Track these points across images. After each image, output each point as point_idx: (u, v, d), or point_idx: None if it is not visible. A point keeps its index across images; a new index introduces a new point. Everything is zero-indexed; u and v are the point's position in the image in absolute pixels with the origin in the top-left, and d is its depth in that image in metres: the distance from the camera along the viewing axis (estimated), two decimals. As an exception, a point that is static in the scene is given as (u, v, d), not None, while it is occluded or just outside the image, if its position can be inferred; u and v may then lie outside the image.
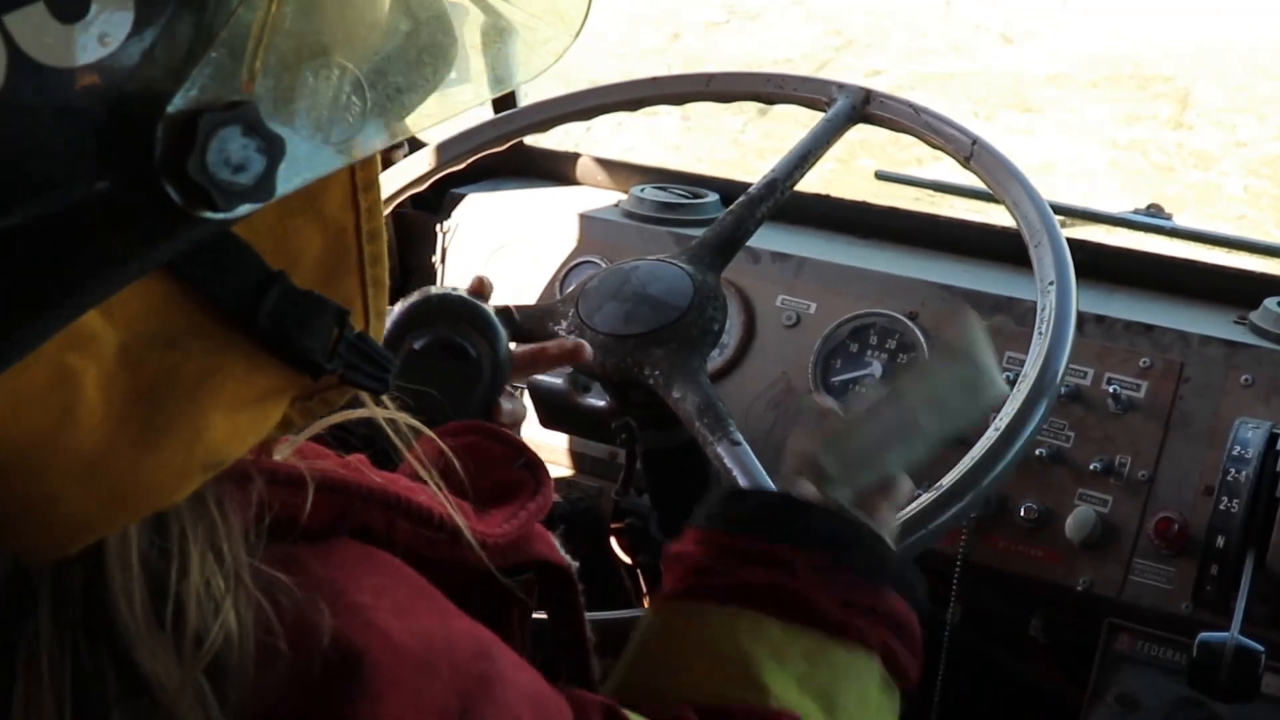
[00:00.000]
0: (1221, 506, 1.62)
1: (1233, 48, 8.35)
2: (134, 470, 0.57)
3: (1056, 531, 1.75)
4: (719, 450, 1.38)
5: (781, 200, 1.62)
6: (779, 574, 1.00)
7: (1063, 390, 1.78)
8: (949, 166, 1.69)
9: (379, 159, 0.66)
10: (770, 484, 1.32)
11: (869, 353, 1.90)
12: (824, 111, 1.67)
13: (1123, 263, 2.07)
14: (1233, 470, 1.63)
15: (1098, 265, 2.03)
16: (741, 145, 6.66)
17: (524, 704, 0.71)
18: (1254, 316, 1.88)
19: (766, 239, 2.03)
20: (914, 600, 1.06)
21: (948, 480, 1.36)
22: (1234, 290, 2.00)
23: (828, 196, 2.26)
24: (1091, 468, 1.76)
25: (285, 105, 0.57)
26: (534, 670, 0.75)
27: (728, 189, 2.23)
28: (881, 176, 2.37)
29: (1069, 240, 1.56)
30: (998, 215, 1.83)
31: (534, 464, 0.97)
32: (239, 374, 0.60)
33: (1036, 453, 1.77)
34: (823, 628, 0.98)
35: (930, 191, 2.37)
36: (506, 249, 2.17)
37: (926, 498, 1.34)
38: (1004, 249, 2.04)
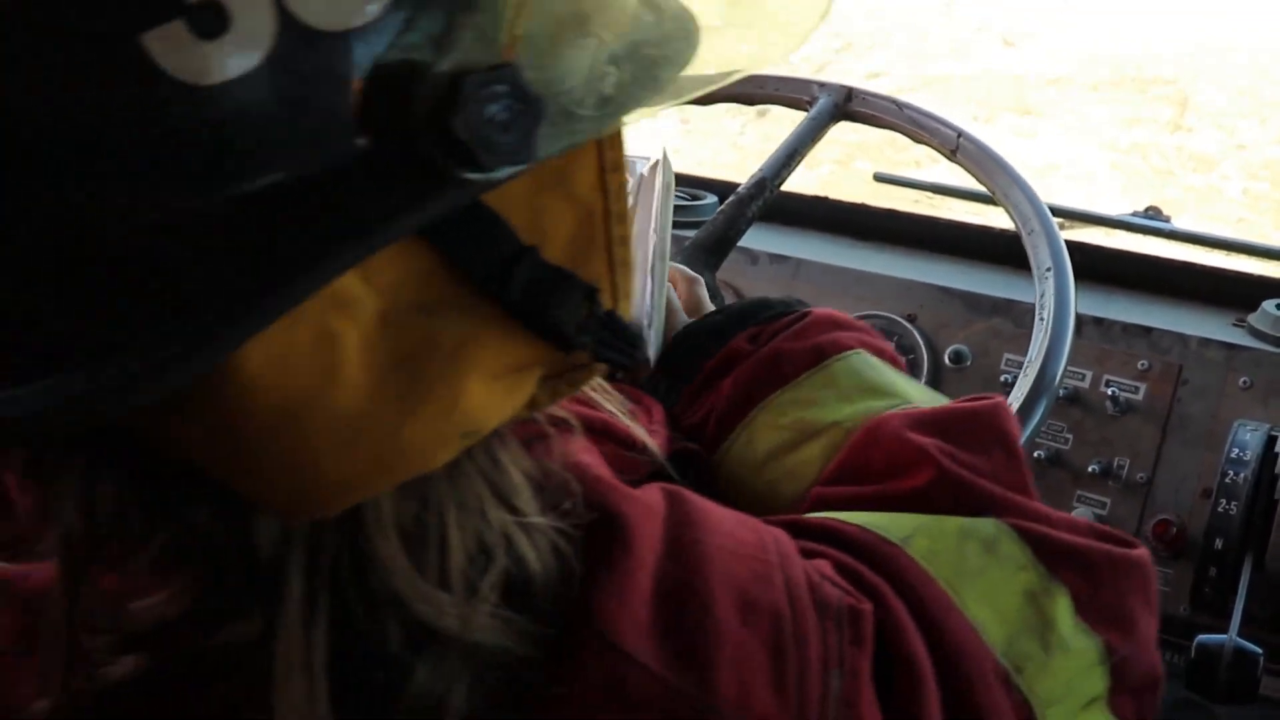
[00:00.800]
0: (1220, 509, 1.62)
1: (1234, 49, 8.37)
2: (394, 434, 0.58)
3: (1055, 534, 1.75)
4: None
5: (771, 199, 1.62)
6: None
7: (1061, 392, 1.79)
8: (947, 169, 1.70)
9: (624, 142, 0.66)
10: None
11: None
12: (806, 111, 1.67)
13: (1121, 265, 2.07)
14: (1231, 473, 1.63)
15: (1096, 267, 2.04)
16: (741, 148, 6.67)
17: (730, 521, 0.73)
18: (1252, 319, 1.88)
19: (764, 240, 2.04)
20: None
21: None
22: (1232, 293, 2.00)
23: (826, 198, 2.26)
24: (1090, 470, 1.76)
25: (544, 70, 0.57)
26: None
27: (727, 191, 2.23)
28: (880, 179, 2.37)
29: (1068, 242, 1.56)
30: (996, 217, 1.84)
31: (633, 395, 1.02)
32: (493, 345, 0.60)
33: (1035, 455, 1.78)
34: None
35: (928, 193, 2.37)
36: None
37: None
38: (1002, 250, 2.05)
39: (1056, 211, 1.63)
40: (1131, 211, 2.24)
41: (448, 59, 0.55)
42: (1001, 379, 1.82)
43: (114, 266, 0.52)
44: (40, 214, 0.52)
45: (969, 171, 1.62)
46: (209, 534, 0.62)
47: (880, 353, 1.09)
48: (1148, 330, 1.82)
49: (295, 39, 0.51)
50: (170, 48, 0.50)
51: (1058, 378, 1.42)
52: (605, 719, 0.64)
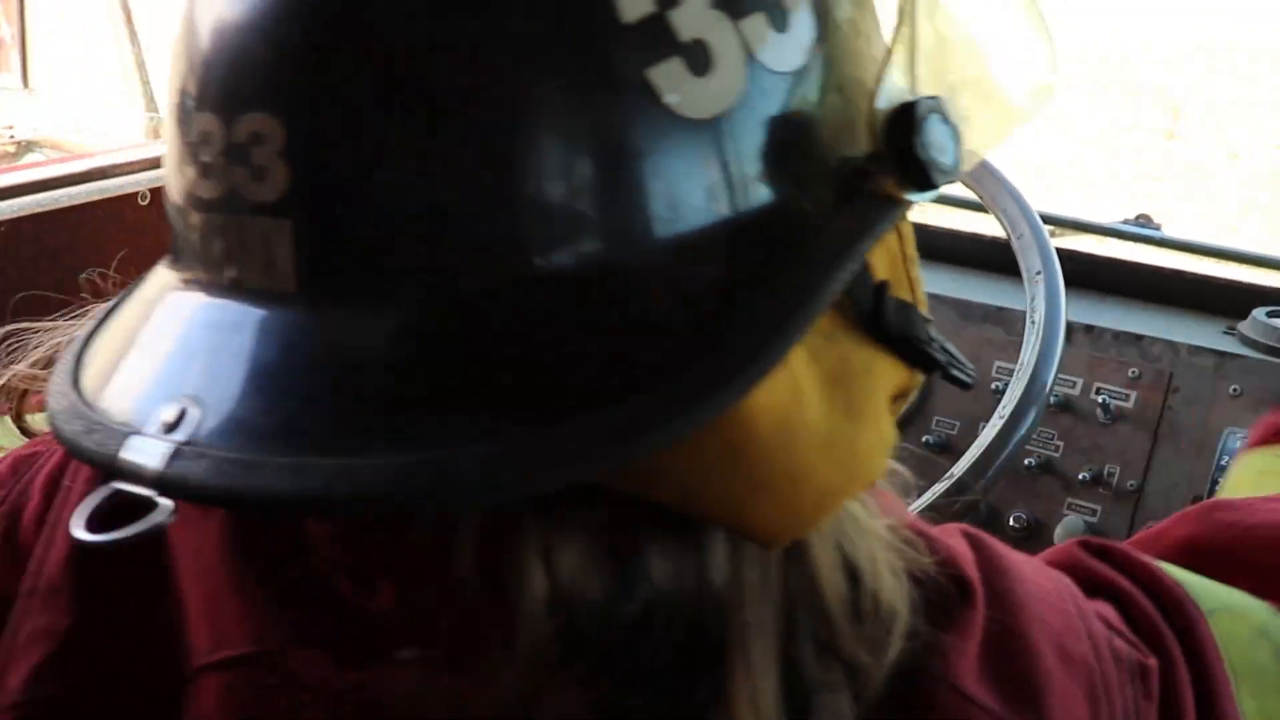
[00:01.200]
0: (1210, 516, 1.62)
1: (1230, 51, 8.38)
2: (853, 443, 0.60)
3: (1046, 541, 1.76)
4: None
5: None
6: None
7: (1052, 400, 1.79)
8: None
9: None
10: None
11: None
12: None
13: (1112, 273, 2.08)
14: (1220, 480, 1.63)
15: (1087, 275, 2.05)
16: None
17: (1024, 565, 0.73)
18: (1242, 327, 1.89)
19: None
20: None
21: (957, 469, 1.37)
22: (1223, 300, 2.01)
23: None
24: (1080, 477, 1.77)
25: (949, 105, 0.63)
26: None
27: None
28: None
29: (1058, 250, 1.57)
30: (989, 225, 1.84)
31: None
32: (885, 368, 0.63)
33: (1025, 463, 1.78)
34: None
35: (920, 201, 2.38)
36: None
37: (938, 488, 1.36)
38: (993, 258, 2.05)
39: (1047, 219, 1.63)
40: (1122, 219, 2.25)
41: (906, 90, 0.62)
42: (993, 387, 1.83)
43: (646, 299, 0.55)
44: (569, 252, 0.54)
45: (959, 179, 1.62)
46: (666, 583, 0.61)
47: None
48: (1138, 338, 1.83)
49: (762, 77, 0.57)
50: (672, 84, 0.55)
51: (1049, 383, 1.42)
52: None
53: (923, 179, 0.60)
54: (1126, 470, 1.77)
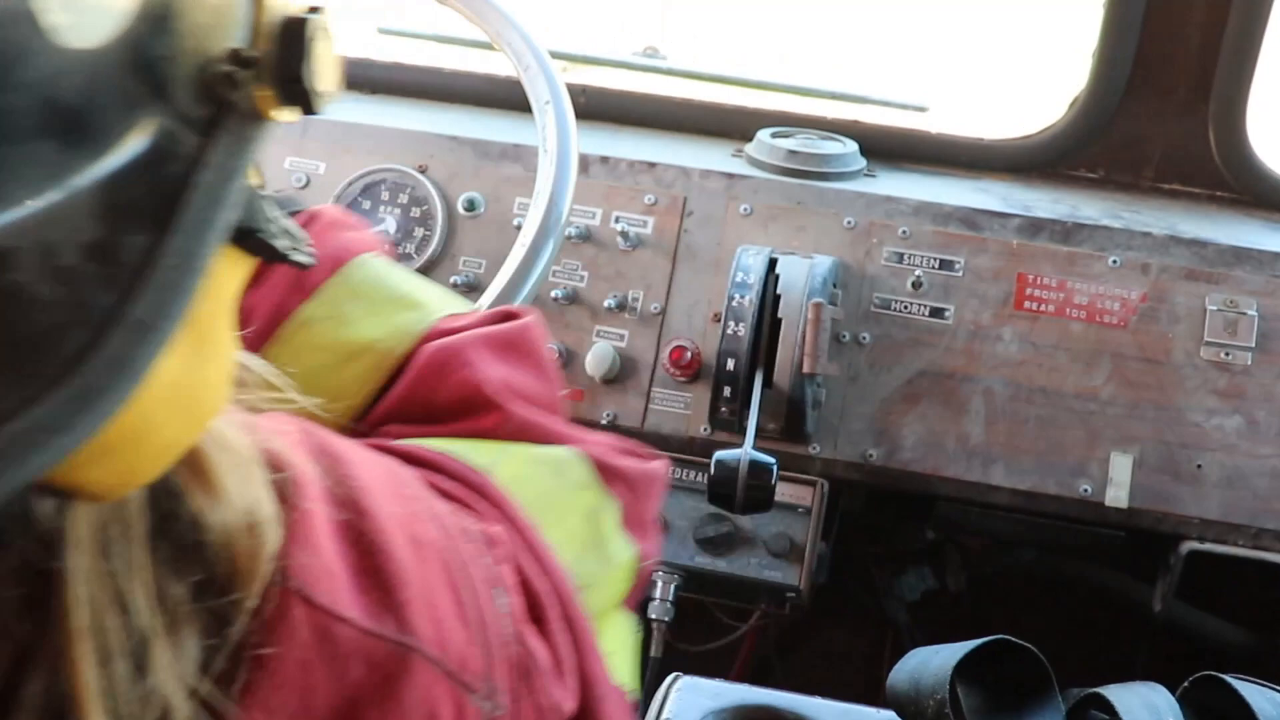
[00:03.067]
0: (729, 331, 1.69)
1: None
2: (202, 384, 0.58)
3: (578, 369, 1.80)
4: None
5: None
6: None
7: (573, 231, 1.82)
8: (453, 17, 1.67)
9: None
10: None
11: (382, 208, 1.87)
12: None
13: (623, 103, 2.12)
14: (737, 296, 1.70)
15: (600, 107, 2.08)
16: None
17: (360, 454, 0.72)
18: (749, 149, 1.97)
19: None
20: None
21: (481, 304, 1.36)
22: (730, 125, 2.08)
23: (330, 54, 2.20)
24: (606, 305, 1.81)
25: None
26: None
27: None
28: (384, 31, 2.32)
29: (570, 85, 1.58)
30: (501, 64, 1.83)
31: None
32: (226, 274, 0.60)
33: (552, 295, 1.81)
34: None
35: (434, 42, 2.34)
36: None
37: None
38: (509, 98, 2.05)
39: (556, 55, 1.63)
40: (631, 52, 2.28)
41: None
42: (515, 223, 1.83)
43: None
44: None
45: (463, 15, 1.60)
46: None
47: (383, 249, 1.08)
48: (652, 165, 1.87)
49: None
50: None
51: (565, 211, 1.43)
52: (319, 675, 0.62)
53: (304, 105, 0.57)
54: (650, 294, 1.81)
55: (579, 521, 0.87)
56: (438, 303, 1.03)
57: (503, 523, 0.77)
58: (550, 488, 0.86)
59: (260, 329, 1.02)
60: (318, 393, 0.96)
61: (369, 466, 0.70)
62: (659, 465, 0.98)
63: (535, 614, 0.75)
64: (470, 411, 0.91)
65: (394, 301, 1.01)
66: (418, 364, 0.96)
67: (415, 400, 0.95)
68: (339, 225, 1.06)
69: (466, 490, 0.78)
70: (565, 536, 0.84)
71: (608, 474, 0.90)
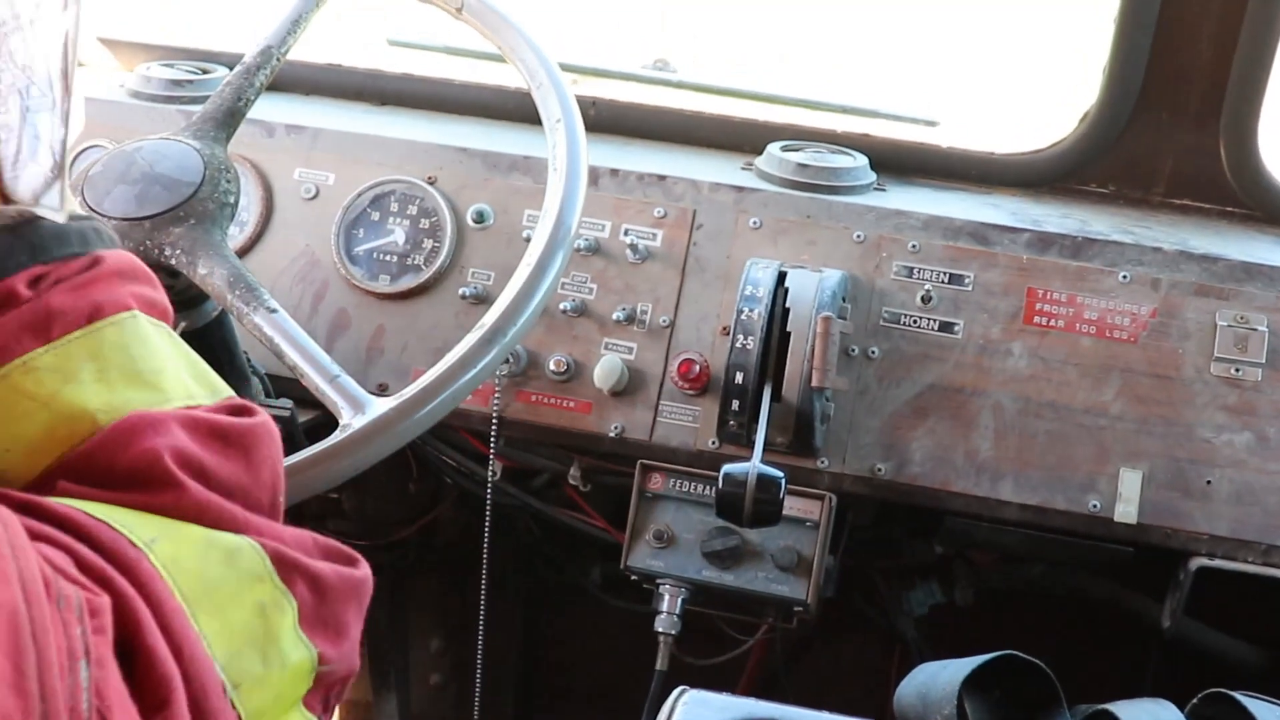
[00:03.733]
0: (738, 344, 1.69)
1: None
2: None
3: (586, 382, 1.79)
4: (256, 321, 1.37)
5: (279, 66, 1.58)
6: None
7: (582, 244, 1.82)
8: (464, 29, 1.67)
9: None
10: (314, 346, 1.33)
11: (391, 219, 1.87)
12: None
13: (634, 116, 2.12)
14: (746, 309, 1.70)
15: (610, 120, 2.08)
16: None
17: None
18: (759, 162, 1.97)
19: (279, 111, 1.97)
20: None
21: (488, 318, 1.37)
22: (740, 138, 2.09)
23: (340, 65, 2.21)
24: (615, 318, 1.80)
25: None
26: None
27: (234, 62, 2.15)
28: (394, 43, 2.33)
29: (580, 97, 1.58)
30: (511, 77, 1.83)
31: None
32: None
33: (561, 307, 1.81)
34: None
35: (444, 55, 2.35)
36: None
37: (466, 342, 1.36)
38: (519, 110, 2.06)
39: (566, 67, 1.64)
40: (641, 65, 2.29)
41: None
42: (524, 235, 1.83)
43: None
44: None
45: (477, 30, 1.61)
46: None
47: (162, 313, 0.98)
48: (662, 178, 1.87)
49: None
50: None
51: (574, 225, 1.43)
52: None
53: None
54: (658, 307, 1.81)
55: (245, 614, 0.83)
56: (180, 391, 0.95)
57: (134, 601, 0.74)
58: (216, 575, 0.83)
59: None
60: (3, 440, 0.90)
61: None
62: (361, 573, 0.94)
63: (157, 698, 0.73)
64: (148, 484, 0.86)
65: (133, 376, 0.92)
66: (106, 429, 0.89)
67: (96, 461, 0.87)
68: (123, 276, 0.96)
69: (107, 562, 0.75)
70: (221, 627, 0.81)
71: (289, 570, 0.87)
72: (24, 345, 0.88)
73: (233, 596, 0.83)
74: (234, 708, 0.79)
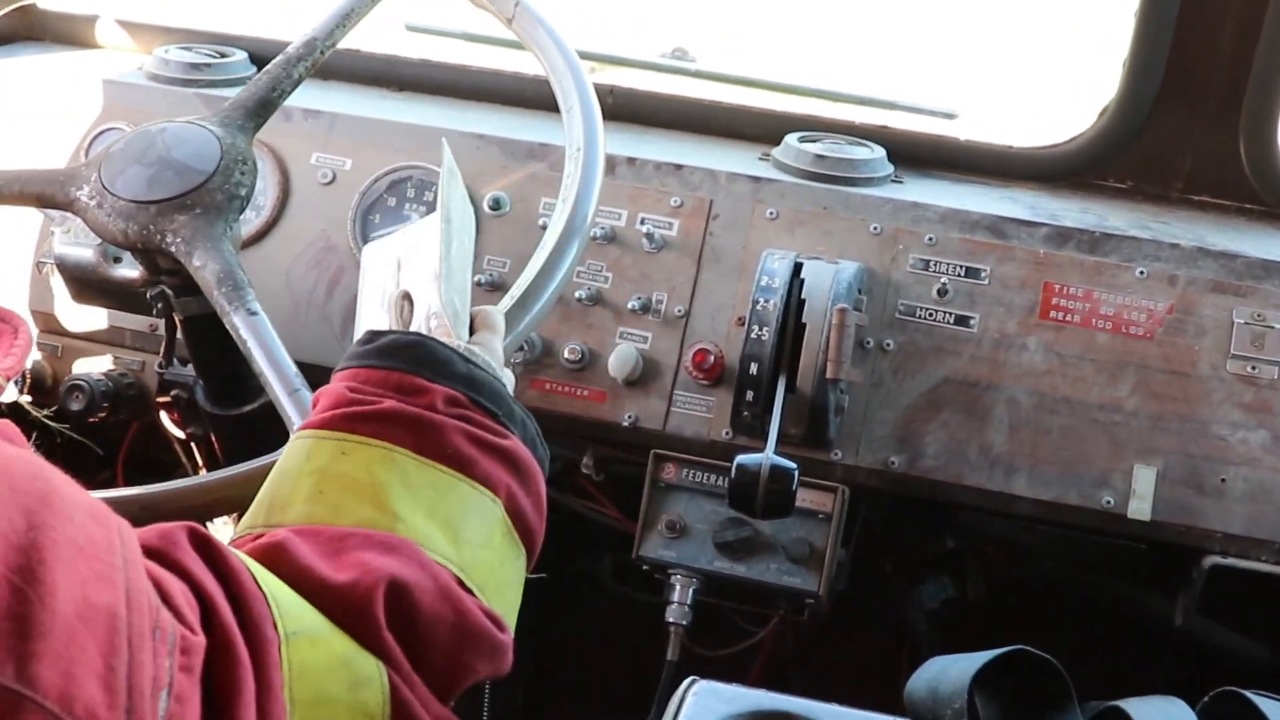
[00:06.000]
0: (753, 335, 1.69)
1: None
2: None
3: (600, 370, 1.79)
4: (235, 321, 1.36)
5: (321, 60, 1.58)
6: (418, 403, 1.04)
7: (598, 232, 1.81)
8: (482, 16, 1.67)
9: None
10: (284, 356, 1.34)
11: (407, 205, 1.88)
12: None
13: (651, 105, 2.12)
14: (762, 300, 1.69)
15: (628, 109, 2.08)
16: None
17: (83, 512, 0.70)
18: (776, 153, 1.96)
19: (297, 96, 1.94)
20: (536, 451, 1.12)
21: (503, 304, 1.37)
22: (757, 128, 2.08)
23: (358, 51, 2.20)
24: (630, 306, 1.80)
25: None
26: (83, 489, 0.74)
27: (256, 48, 2.15)
28: (412, 28, 2.33)
29: (598, 85, 1.57)
30: (529, 63, 1.83)
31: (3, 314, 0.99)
32: None
33: (576, 295, 1.80)
34: (455, 463, 1.03)
35: (462, 41, 2.34)
36: (25, 120, 2.02)
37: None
38: (535, 97, 2.05)
39: (585, 55, 1.63)
40: (660, 54, 2.28)
41: None
42: (540, 222, 1.83)
43: None
44: None
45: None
46: None
47: (519, 515, 1.08)
48: (679, 167, 1.86)
49: None
50: None
51: (590, 213, 1.43)
52: None
53: None
54: (674, 296, 1.81)
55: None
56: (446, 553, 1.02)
57: (243, 668, 0.77)
58: (332, 694, 0.86)
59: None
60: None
61: (78, 516, 0.70)
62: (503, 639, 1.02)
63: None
64: (357, 611, 0.92)
65: (423, 507, 1.01)
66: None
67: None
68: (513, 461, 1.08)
69: (239, 628, 0.78)
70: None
71: (404, 714, 0.91)
72: (377, 431, 1.05)
73: (339, 715, 0.86)
74: None
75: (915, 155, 2.03)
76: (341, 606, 0.89)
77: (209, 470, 1.72)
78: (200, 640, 0.74)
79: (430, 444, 1.03)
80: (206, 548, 0.81)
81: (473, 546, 1.02)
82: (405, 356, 1.08)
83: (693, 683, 1.46)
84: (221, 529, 1.66)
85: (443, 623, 0.95)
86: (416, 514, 0.99)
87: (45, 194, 1.46)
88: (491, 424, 1.08)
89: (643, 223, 1.83)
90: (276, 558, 0.91)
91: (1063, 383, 1.75)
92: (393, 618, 0.91)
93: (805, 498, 1.73)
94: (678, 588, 1.78)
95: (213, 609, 0.77)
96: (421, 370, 1.07)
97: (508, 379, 1.18)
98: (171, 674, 0.71)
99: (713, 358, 1.77)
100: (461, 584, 0.99)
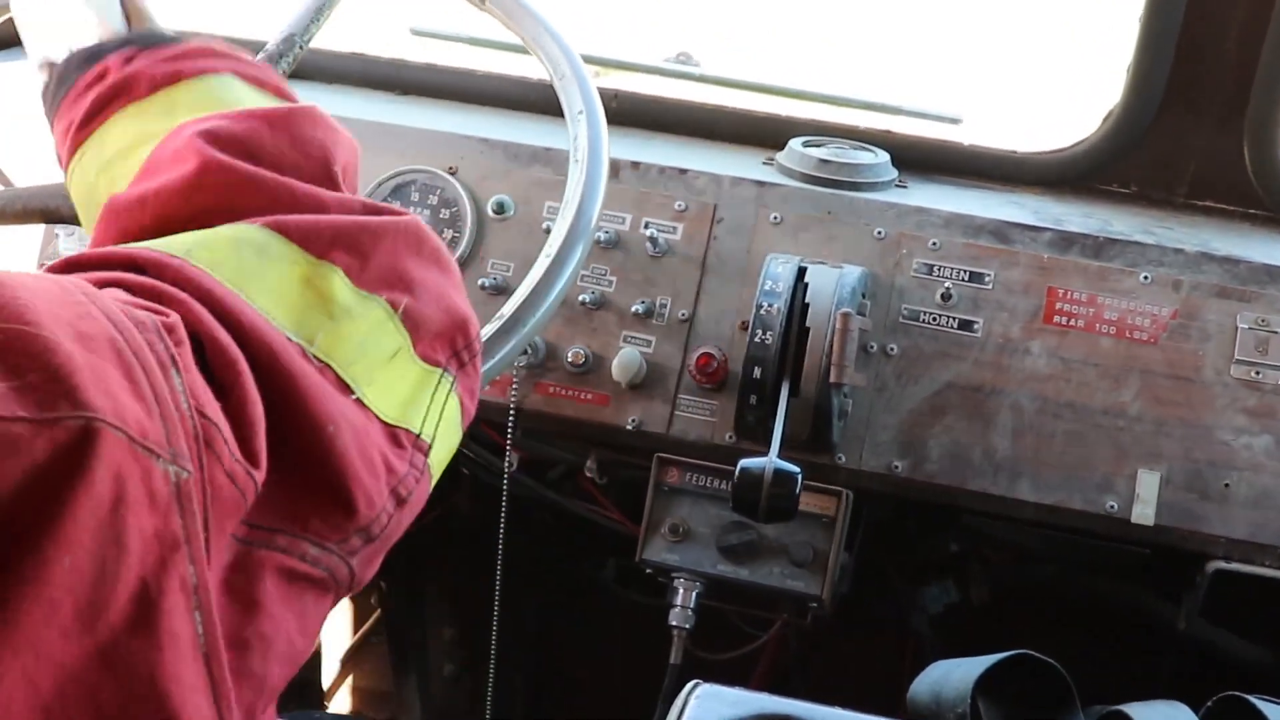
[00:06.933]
0: (757, 339, 1.69)
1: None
2: None
3: (604, 374, 1.79)
4: None
5: (301, 55, 1.57)
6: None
7: (602, 236, 1.82)
8: (487, 20, 1.67)
9: None
10: None
11: (412, 209, 1.87)
12: None
13: (656, 109, 2.12)
14: (765, 304, 1.70)
15: (632, 113, 2.08)
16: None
17: (29, 279, 0.73)
18: (780, 157, 1.96)
19: (301, 100, 1.97)
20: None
21: (507, 309, 1.37)
22: (761, 133, 2.08)
23: (363, 54, 2.21)
24: (634, 311, 1.80)
25: None
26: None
27: (249, 47, 2.15)
28: (417, 32, 2.33)
29: (603, 89, 1.58)
30: (533, 68, 1.83)
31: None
32: None
33: (580, 299, 1.80)
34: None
35: (467, 45, 2.35)
36: (25, 120, 2.02)
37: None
38: (541, 101, 2.06)
39: (589, 59, 1.64)
40: (664, 58, 2.29)
41: None
42: (544, 226, 1.84)
43: None
44: None
45: (500, 21, 1.60)
46: None
47: (260, 84, 1.10)
48: (683, 172, 1.87)
49: None
50: None
51: (594, 217, 1.43)
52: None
53: None
54: (678, 301, 1.81)
55: (293, 289, 0.89)
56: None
57: (189, 303, 0.80)
58: (253, 266, 0.88)
59: (78, 124, 1.10)
60: (110, 179, 1.05)
61: (33, 284, 0.72)
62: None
63: (225, 382, 0.78)
64: (175, 165, 0.96)
65: (211, 107, 1.03)
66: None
67: (145, 168, 0.99)
68: (209, 52, 1.09)
69: (156, 280, 0.81)
70: (278, 300, 0.87)
71: (322, 245, 0.92)
72: (115, 105, 1.06)
73: (277, 278, 0.88)
74: (318, 359, 0.86)
75: (919, 160, 2.04)
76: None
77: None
78: (175, 317, 0.77)
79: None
80: (71, 266, 0.84)
81: None
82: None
83: (696, 686, 1.47)
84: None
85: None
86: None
87: (49, 208, 1.46)
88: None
89: (647, 227, 1.84)
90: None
91: (1066, 387, 1.75)
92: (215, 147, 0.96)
93: (808, 501, 1.74)
94: (681, 591, 1.79)
95: (128, 286, 0.80)
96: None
97: None
98: (171, 353, 0.74)
99: (716, 362, 1.77)
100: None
